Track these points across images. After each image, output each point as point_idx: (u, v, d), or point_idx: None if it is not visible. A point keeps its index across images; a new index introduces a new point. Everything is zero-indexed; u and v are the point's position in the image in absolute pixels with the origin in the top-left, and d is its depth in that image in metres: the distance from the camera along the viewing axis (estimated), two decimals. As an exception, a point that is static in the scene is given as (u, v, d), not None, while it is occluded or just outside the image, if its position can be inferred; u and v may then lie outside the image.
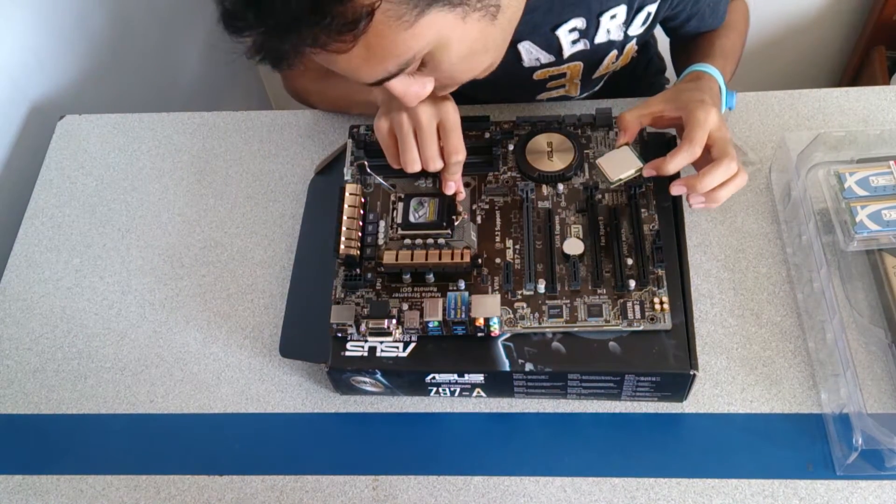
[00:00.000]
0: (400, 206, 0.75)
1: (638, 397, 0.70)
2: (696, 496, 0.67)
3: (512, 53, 0.81)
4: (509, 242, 0.73)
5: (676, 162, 0.70)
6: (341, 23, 0.53)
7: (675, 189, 0.70)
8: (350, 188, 0.74)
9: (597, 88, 0.96)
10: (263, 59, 0.57)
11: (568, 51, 0.82)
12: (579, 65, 0.85)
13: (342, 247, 0.71)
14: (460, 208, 0.74)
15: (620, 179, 0.74)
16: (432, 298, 0.69)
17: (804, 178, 0.76)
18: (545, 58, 0.82)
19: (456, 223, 0.73)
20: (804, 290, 0.74)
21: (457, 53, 0.61)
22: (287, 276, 0.78)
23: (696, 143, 0.69)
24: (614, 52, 0.85)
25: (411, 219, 0.73)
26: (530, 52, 0.81)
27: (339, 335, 0.70)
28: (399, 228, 0.74)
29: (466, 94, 0.82)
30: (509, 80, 0.85)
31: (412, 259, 0.70)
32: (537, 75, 0.85)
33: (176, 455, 0.73)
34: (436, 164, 0.71)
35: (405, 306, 0.70)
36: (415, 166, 0.71)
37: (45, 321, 0.82)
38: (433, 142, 0.70)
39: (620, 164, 0.75)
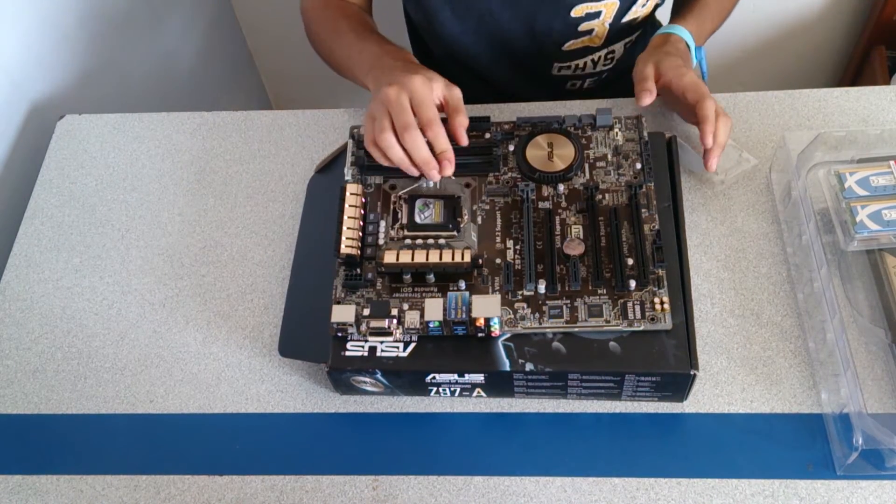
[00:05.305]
0: (402, 206, 0.75)
1: (638, 397, 0.70)
2: (696, 496, 0.67)
3: None
4: (510, 243, 0.73)
5: (710, 138, 0.76)
6: None
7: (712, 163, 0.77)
8: (351, 188, 0.74)
9: (614, 51, 0.97)
10: None
11: None
12: (616, 1, 0.88)
13: (342, 247, 0.71)
14: (464, 210, 0.74)
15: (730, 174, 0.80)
16: (433, 298, 0.69)
17: (804, 178, 0.76)
18: None
19: (462, 224, 0.73)
20: (804, 290, 0.74)
21: None
22: (287, 276, 0.78)
23: (711, 113, 0.75)
24: None
25: (417, 220, 0.74)
26: None
27: (340, 335, 0.70)
28: (404, 229, 0.74)
29: (497, 41, 0.89)
30: (546, 17, 0.88)
31: (412, 259, 0.70)
32: (575, 12, 0.88)
33: (176, 455, 0.73)
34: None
35: (405, 306, 0.70)
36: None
37: (45, 321, 0.82)
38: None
39: (726, 159, 0.81)
